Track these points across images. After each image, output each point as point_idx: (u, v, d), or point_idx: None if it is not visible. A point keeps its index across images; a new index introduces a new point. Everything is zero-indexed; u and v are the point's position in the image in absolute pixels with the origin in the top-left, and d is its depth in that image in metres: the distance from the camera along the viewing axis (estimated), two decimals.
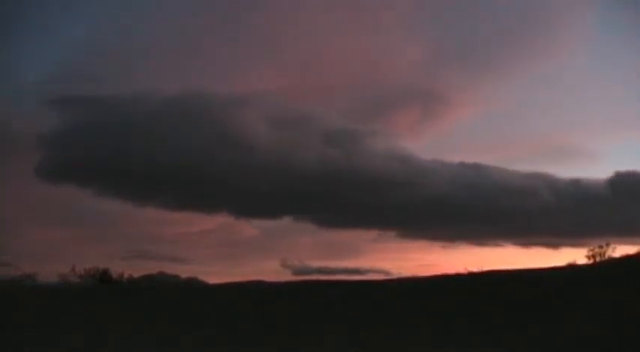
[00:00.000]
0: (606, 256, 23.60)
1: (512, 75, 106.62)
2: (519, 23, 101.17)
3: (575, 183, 72.13)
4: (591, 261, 23.56)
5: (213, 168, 77.20)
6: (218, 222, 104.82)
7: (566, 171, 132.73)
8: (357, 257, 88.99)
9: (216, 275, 75.59)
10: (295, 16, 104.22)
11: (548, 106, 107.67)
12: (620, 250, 23.68)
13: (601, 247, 24.14)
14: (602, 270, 19.32)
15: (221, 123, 77.30)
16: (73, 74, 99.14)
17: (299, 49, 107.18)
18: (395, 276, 23.11)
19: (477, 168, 77.69)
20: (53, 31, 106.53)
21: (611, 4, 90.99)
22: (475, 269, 21.99)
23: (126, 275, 28.46)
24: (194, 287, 31.23)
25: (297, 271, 55.53)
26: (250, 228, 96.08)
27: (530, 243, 69.62)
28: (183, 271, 68.43)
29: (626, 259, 20.22)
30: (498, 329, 13.39)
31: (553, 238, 68.34)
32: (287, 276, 51.86)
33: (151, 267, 62.26)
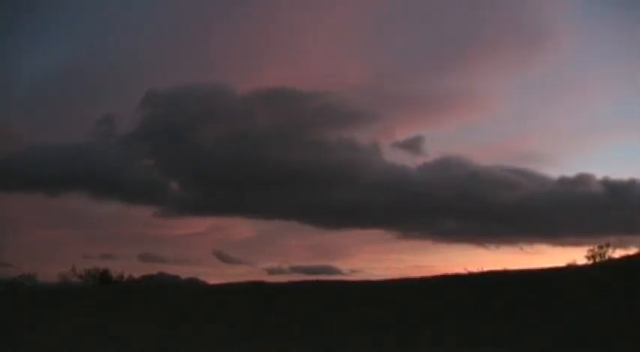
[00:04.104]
0: (606, 256, 23.59)
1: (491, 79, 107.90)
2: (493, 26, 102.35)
3: (572, 184, 72.47)
4: (591, 261, 23.55)
5: (209, 169, 77.90)
6: (216, 222, 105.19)
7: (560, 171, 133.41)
8: (346, 257, 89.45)
9: (215, 275, 75.78)
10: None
11: (534, 110, 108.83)
12: (620, 250, 23.72)
13: (601, 247, 24.12)
14: (602, 270, 19.31)
15: (212, 124, 78.48)
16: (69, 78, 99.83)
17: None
18: (395, 277, 23.02)
19: (469, 169, 78.38)
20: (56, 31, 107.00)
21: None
22: (475, 269, 22.00)
23: (126, 276, 28.46)
24: (194, 288, 31.21)
25: (295, 271, 55.72)
26: (247, 229, 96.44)
27: (530, 243, 69.91)
28: (183, 271, 68.51)
29: (626, 259, 20.21)
30: (498, 329, 13.38)
31: (552, 238, 68.49)
32: (285, 277, 51.91)
33: (150, 268, 62.28)
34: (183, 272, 59.84)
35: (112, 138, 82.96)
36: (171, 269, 70.65)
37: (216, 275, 73.49)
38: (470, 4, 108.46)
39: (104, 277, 27.25)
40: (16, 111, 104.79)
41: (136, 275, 31.79)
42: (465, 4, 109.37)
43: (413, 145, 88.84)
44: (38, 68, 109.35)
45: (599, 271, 19.23)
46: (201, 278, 46.33)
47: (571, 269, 20.92)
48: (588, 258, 24.02)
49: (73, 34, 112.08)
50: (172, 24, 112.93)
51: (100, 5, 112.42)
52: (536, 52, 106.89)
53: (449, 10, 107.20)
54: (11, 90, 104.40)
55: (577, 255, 31.26)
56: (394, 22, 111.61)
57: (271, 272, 54.47)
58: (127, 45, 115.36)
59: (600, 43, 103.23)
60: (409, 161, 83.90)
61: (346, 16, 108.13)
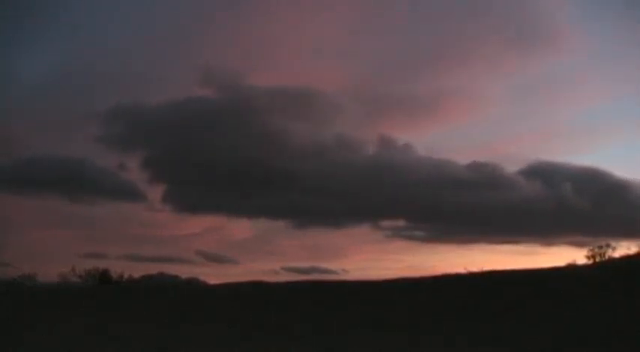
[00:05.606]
0: (606, 256, 23.63)
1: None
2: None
3: (570, 184, 72.58)
4: (591, 261, 23.59)
5: (208, 169, 78.12)
6: (214, 222, 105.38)
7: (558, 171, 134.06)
8: (341, 258, 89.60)
9: (212, 275, 75.94)
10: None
11: (533, 110, 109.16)
12: (620, 250, 23.75)
13: (601, 247, 24.20)
14: (602, 270, 19.32)
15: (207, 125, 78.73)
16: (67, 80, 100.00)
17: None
18: (395, 277, 23.03)
19: (467, 169, 78.53)
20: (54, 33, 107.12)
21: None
22: (475, 269, 22.03)
23: (126, 276, 28.51)
24: (194, 288, 31.21)
25: (290, 271, 55.83)
26: (245, 229, 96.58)
27: (529, 243, 69.96)
28: (183, 271, 68.59)
29: (626, 259, 20.23)
30: (498, 329, 13.39)
31: (553, 237, 68.61)
32: (281, 277, 52.01)
33: (150, 268, 62.29)
34: (183, 272, 59.90)
35: (111, 139, 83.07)
36: (169, 269, 70.72)
37: (212, 275, 73.68)
38: (469, 4, 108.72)
39: (104, 277, 27.31)
40: (16, 111, 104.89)
41: (136, 275, 31.88)
42: (464, 4, 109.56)
43: (409, 145, 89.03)
44: (38, 68, 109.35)
45: (599, 271, 19.24)
46: (201, 278, 46.39)
47: (570, 269, 20.94)
48: (588, 257, 24.11)
49: (73, 34, 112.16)
50: (172, 24, 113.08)
51: (100, 5, 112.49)
52: (535, 52, 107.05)
53: (447, 10, 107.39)
54: (11, 90, 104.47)
55: (577, 255, 31.38)
56: (391, 22, 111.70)
57: (266, 272, 54.67)
58: (128, 45, 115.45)
59: (600, 43, 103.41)
60: (406, 161, 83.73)
61: (344, 15, 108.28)
